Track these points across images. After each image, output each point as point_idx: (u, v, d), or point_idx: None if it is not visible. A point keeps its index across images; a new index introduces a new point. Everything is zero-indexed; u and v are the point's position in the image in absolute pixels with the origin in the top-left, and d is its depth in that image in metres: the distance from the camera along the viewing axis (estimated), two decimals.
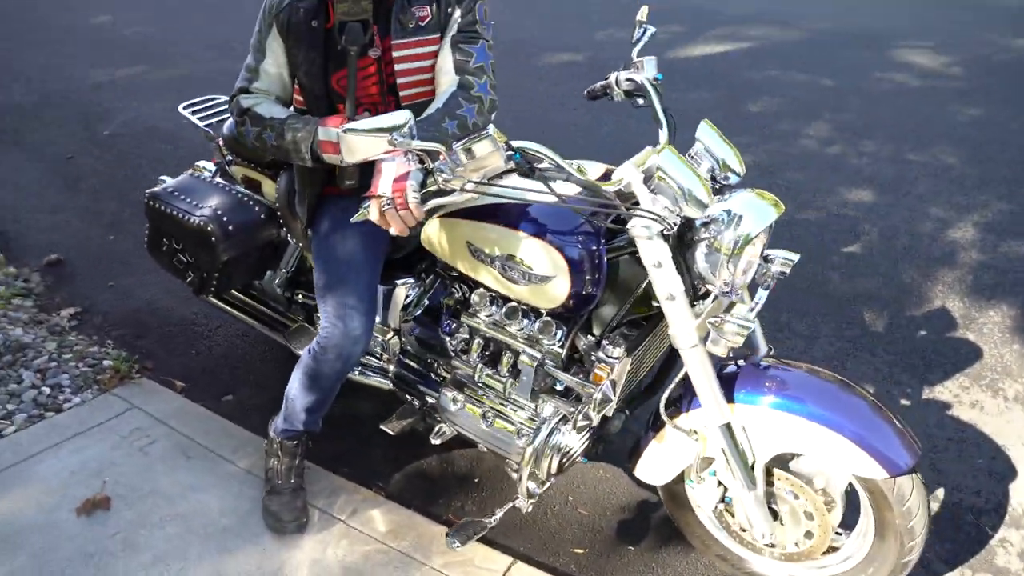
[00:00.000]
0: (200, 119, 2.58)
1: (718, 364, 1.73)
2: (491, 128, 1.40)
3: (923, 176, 4.21)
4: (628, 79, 1.99)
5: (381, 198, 1.53)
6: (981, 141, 4.63)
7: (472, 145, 1.40)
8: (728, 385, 1.68)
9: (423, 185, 1.53)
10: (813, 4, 7.91)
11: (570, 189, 1.63)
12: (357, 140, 1.45)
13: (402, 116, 1.42)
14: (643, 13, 2.04)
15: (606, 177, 1.70)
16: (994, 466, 2.38)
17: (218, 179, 2.39)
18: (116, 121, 4.82)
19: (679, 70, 5.66)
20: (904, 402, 2.65)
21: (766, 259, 1.73)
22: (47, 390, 2.49)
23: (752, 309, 1.64)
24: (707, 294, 1.66)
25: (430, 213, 1.81)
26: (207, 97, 2.66)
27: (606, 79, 2.04)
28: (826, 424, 1.60)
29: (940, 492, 2.26)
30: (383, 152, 1.47)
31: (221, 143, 2.39)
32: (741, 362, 1.76)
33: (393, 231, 1.57)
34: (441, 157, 1.46)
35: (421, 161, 1.53)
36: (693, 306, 1.61)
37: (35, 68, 5.77)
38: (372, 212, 1.55)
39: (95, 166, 4.26)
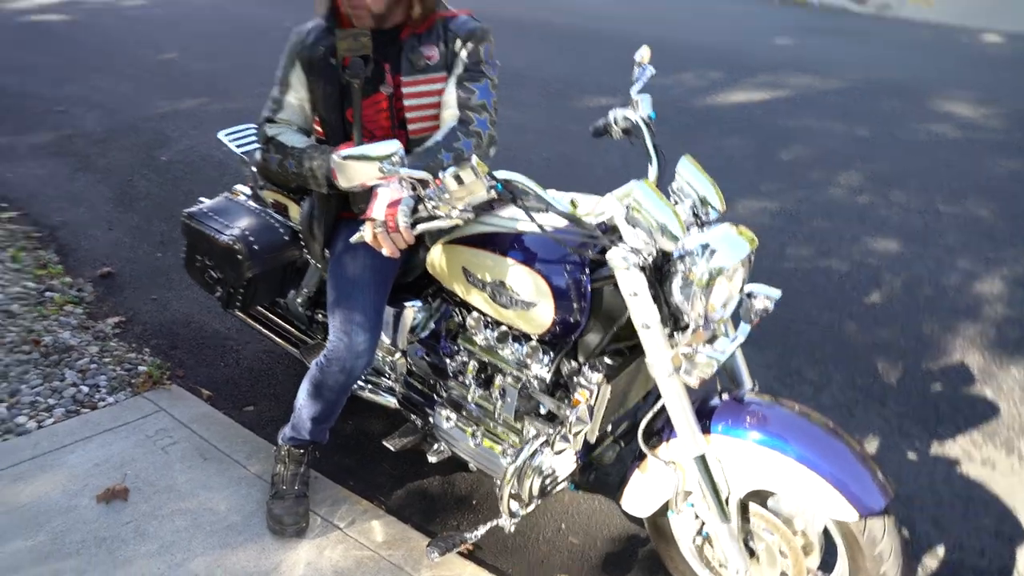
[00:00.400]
0: (238, 146, 2.75)
1: (701, 397, 1.78)
2: (473, 159, 1.48)
3: (952, 228, 4.17)
4: (625, 117, 2.08)
5: (375, 221, 1.65)
6: (1016, 194, 4.58)
7: (453, 175, 1.50)
8: (708, 417, 1.71)
9: (414, 211, 1.64)
10: (851, 55, 7.94)
11: (555, 221, 1.72)
12: (351, 166, 1.56)
13: (391, 146, 1.53)
14: (642, 55, 2.13)
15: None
16: (1002, 527, 2.31)
17: (250, 202, 2.54)
18: (174, 148, 5.11)
19: (715, 117, 5.73)
20: (911, 455, 2.61)
21: (749, 295, 1.77)
22: (86, 389, 2.67)
23: (732, 341, 1.70)
24: (688, 326, 1.72)
25: (420, 237, 1.91)
26: (245, 126, 2.81)
27: (605, 117, 2.14)
28: (799, 460, 1.61)
29: (940, 549, 2.22)
30: (375, 179, 1.58)
31: (255, 169, 2.56)
32: (724, 396, 1.80)
33: (385, 252, 1.67)
34: (429, 185, 1.57)
35: (414, 188, 1.64)
36: (672, 337, 1.68)
37: (110, 98, 6.16)
38: (367, 234, 1.66)
39: (151, 189, 4.52)
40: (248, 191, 2.64)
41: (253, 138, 2.75)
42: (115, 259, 3.73)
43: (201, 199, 2.62)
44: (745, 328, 1.76)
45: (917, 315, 3.39)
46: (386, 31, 1.93)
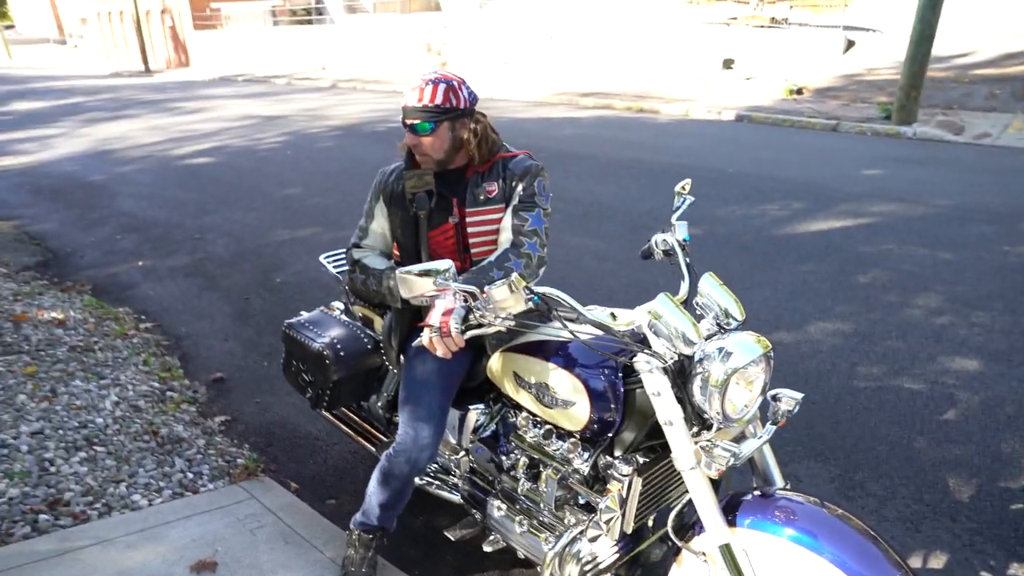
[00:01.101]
0: (335, 268, 3.13)
1: (732, 493, 1.90)
2: (513, 276, 1.73)
3: None
4: (664, 240, 2.31)
5: (432, 327, 1.92)
6: None
7: (494, 289, 1.76)
8: (736, 510, 1.82)
9: (465, 319, 1.90)
10: (943, 182, 7.90)
11: (592, 330, 1.94)
12: (411, 280, 1.85)
13: (444, 264, 1.81)
14: (683, 186, 2.39)
15: None
16: None
17: (342, 316, 2.86)
18: (288, 271, 5.68)
19: (794, 245, 5.84)
20: (984, 574, 2.55)
21: (774, 398, 1.91)
22: (191, 475, 3.00)
23: (757, 439, 1.84)
24: (712, 425, 1.87)
25: (482, 346, 2.19)
26: (343, 250, 3.19)
27: (649, 241, 2.38)
28: (831, 560, 1.65)
29: None
30: (431, 291, 1.86)
31: (347, 287, 2.91)
32: (755, 492, 1.91)
33: (439, 353, 1.93)
34: (477, 297, 1.84)
35: (465, 300, 1.90)
36: (699, 434, 1.83)
37: (238, 227, 6.93)
38: (424, 338, 1.94)
39: (264, 307, 5.02)
40: (341, 306, 2.99)
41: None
42: (227, 366, 4.16)
43: (301, 312, 2.97)
44: (770, 428, 1.88)
45: (996, 434, 3.32)
46: (454, 171, 2.28)
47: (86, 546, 2.50)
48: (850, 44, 16.33)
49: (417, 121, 2.17)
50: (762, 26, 18.07)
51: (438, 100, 2.17)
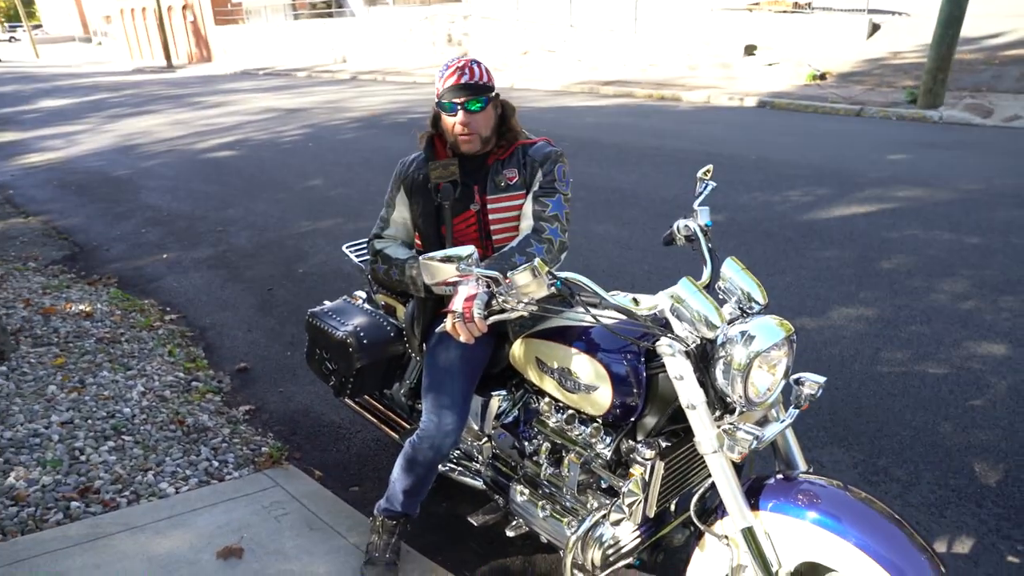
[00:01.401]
0: (358, 257, 3.15)
1: (755, 477, 1.89)
2: (535, 261, 1.72)
3: None
4: (686, 226, 2.30)
5: (454, 313, 1.92)
6: None
7: (517, 274, 1.76)
8: (759, 494, 1.81)
9: (488, 305, 1.90)
10: (969, 166, 7.76)
11: (612, 315, 1.94)
12: (434, 266, 1.85)
13: (467, 249, 1.81)
14: (705, 171, 2.37)
15: None
16: None
17: (365, 304, 2.88)
18: (310, 262, 5.72)
19: (818, 230, 5.78)
20: (1011, 558, 2.52)
21: (797, 382, 1.90)
22: (216, 463, 3.04)
23: (780, 423, 1.83)
24: (735, 409, 1.86)
25: (504, 333, 2.20)
26: (366, 239, 3.22)
27: (671, 227, 2.37)
28: (847, 538, 1.65)
29: None
30: (454, 276, 1.86)
31: (370, 276, 2.92)
32: (778, 476, 1.90)
33: (461, 339, 1.93)
34: (500, 283, 1.84)
35: (488, 286, 1.91)
36: (721, 418, 1.83)
37: (261, 219, 6.99)
38: (447, 324, 1.94)
39: (287, 297, 5.07)
40: (364, 295, 3.01)
41: None
42: (251, 356, 4.21)
43: (324, 301, 2.98)
44: (793, 412, 1.88)
45: None
46: (475, 158, 2.28)
47: (116, 532, 2.54)
48: (875, 28, 16.08)
49: (470, 98, 2.16)
50: (784, 11, 17.85)
51: (486, 78, 2.19)
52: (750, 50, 16.61)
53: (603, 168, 8.21)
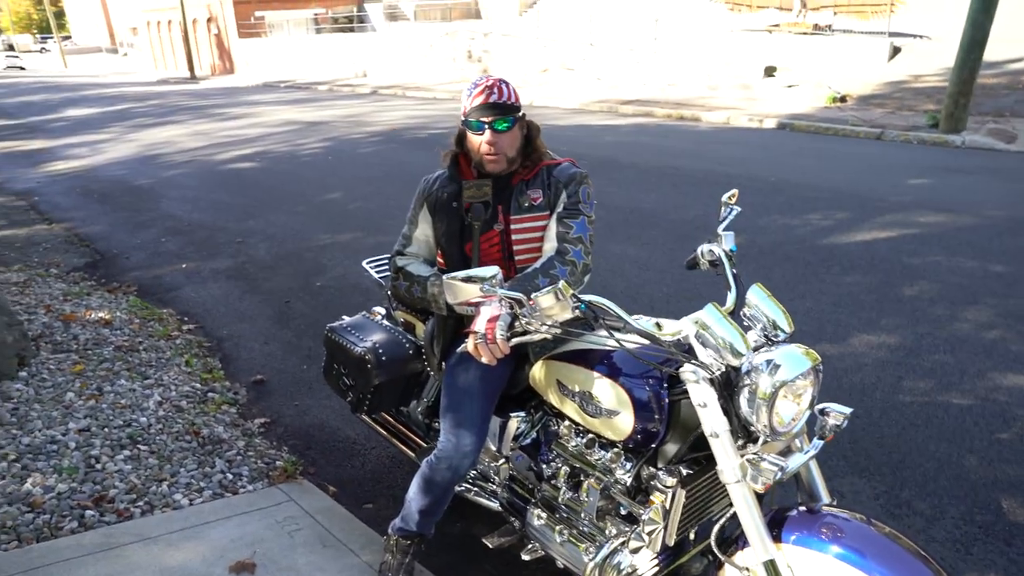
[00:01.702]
0: (378, 273, 3.15)
1: (777, 508, 1.86)
2: (560, 284, 1.71)
3: None
4: (710, 250, 2.28)
5: (476, 333, 1.91)
6: None
7: (541, 296, 1.74)
8: (781, 526, 1.78)
9: (511, 326, 1.89)
10: (993, 192, 7.69)
11: (636, 339, 1.91)
12: (458, 286, 1.84)
13: (490, 271, 1.80)
14: (730, 196, 2.35)
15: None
16: None
17: (384, 321, 2.87)
18: (329, 275, 5.73)
19: (838, 255, 5.73)
20: None
21: (822, 412, 1.87)
22: (231, 476, 3.03)
23: (804, 454, 1.80)
24: (759, 438, 1.83)
25: (524, 354, 2.18)
26: (386, 255, 3.20)
27: (695, 252, 2.35)
28: (871, 574, 1.61)
29: None
30: (477, 297, 1.85)
31: (390, 293, 2.91)
32: (801, 508, 1.87)
33: (483, 360, 1.92)
34: (524, 304, 1.82)
35: (511, 307, 1.89)
36: (744, 447, 1.79)
37: (280, 231, 7.02)
38: (469, 344, 1.92)
39: (304, 310, 5.08)
40: (383, 311, 3.00)
41: None
42: (268, 369, 4.21)
43: (343, 316, 2.98)
44: (818, 443, 1.84)
45: None
46: (500, 178, 2.27)
47: (129, 543, 2.53)
48: (896, 51, 16.04)
49: (497, 118, 2.15)
50: (804, 33, 17.85)
51: (513, 98, 2.19)
52: (770, 71, 16.60)
53: (622, 188, 8.20)
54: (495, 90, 2.16)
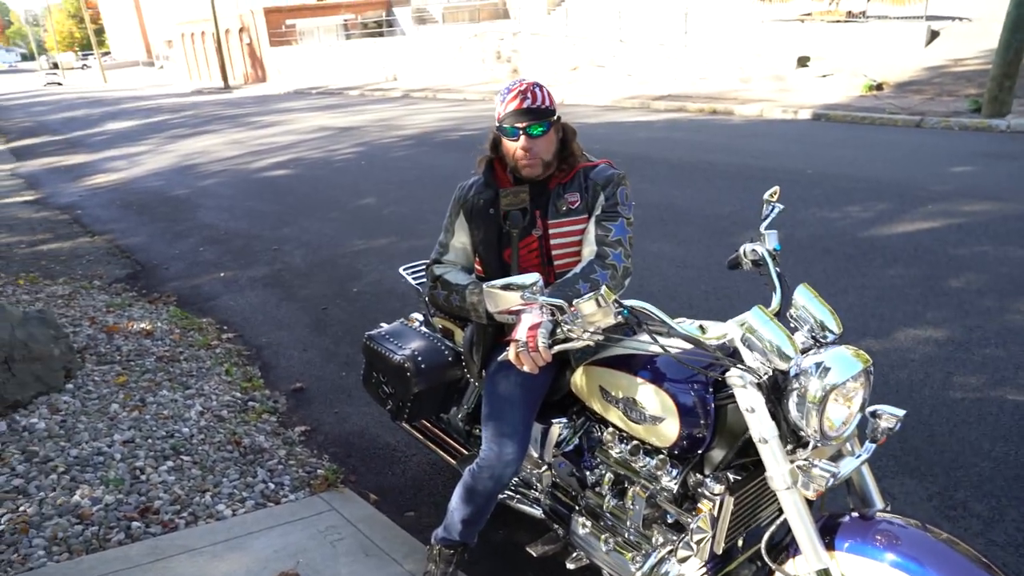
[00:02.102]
0: (415, 279, 3.14)
1: (828, 514, 1.80)
2: (602, 289, 1.69)
3: None
4: (753, 250, 2.22)
5: (518, 342, 1.88)
6: None
7: (582, 302, 1.71)
8: (834, 534, 1.73)
9: (552, 333, 1.86)
10: None
11: (681, 344, 1.87)
12: (498, 295, 1.82)
13: (532, 277, 1.78)
14: (772, 193, 2.29)
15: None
16: None
17: (422, 328, 2.85)
18: (364, 281, 5.76)
19: (880, 247, 5.60)
20: None
21: (873, 414, 1.81)
22: (273, 486, 3.05)
23: (856, 458, 1.74)
24: (808, 443, 1.78)
25: (566, 360, 2.15)
26: (422, 261, 3.19)
27: (737, 251, 2.29)
28: None
29: None
30: (518, 304, 1.82)
31: (427, 299, 2.90)
32: (854, 514, 1.81)
33: (525, 369, 1.89)
34: (565, 311, 1.79)
35: (552, 314, 1.86)
36: (794, 452, 1.74)
37: (315, 238, 7.08)
38: (511, 353, 1.90)
39: (341, 316, 5.10)
40: (421, 318, 2.99)
41: None
42: (307, 376, 4.23)
43: (381, 324, 2.97)
44: (869, 447, 1.79)
45: None
46: (537, 183, 2.24)
47: (175, 555, 2.56)
48: (933, 35, 15.66)
49: (532, 123, 2.13)
50: (837, 20, 17.51)
51: (548, 102, 2.16)
52: (803, 61, 16.32)
53: (656, 184, 8.11)
54: (528, 95, 2.13)
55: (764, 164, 8.89)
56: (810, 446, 1.73)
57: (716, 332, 1.93)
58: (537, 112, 2.13)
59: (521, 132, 2.13)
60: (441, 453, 2.82)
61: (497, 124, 2.20)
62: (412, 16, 33.51)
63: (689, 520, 1.90)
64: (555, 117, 2.19)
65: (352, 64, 30.11)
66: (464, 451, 2.78)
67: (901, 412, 1.79)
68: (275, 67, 35.48)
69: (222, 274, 6.21)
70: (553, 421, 2.34)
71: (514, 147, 2.17)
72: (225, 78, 35.20)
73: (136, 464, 3.13)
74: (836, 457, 1.79)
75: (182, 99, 29.35)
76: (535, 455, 2.42)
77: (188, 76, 44.61)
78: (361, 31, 34.64)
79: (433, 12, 33.20)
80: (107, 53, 68.91)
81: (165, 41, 51.22)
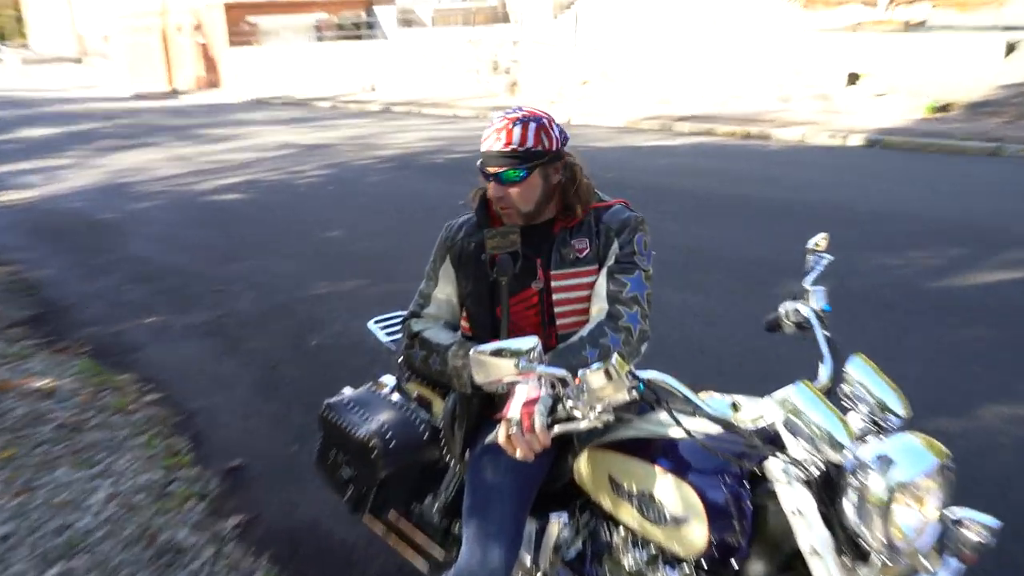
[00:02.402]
0: (388, 334, 3.07)
1: None
2: (613, 358, 1.63)
3: None
4: (796, 310, 2.17)
5: (510, 421, 1.80)
6: None
7: (590, 374, 1.64)
8: None
9: (552, 411, 1.78)
10: None
11: (708, 426, 1.79)
12: (488, 362, 1.75)
13: (530, 342, 1.72)
14: (819, 242, 2.24)
15: None
16: None
17: (393, 395, 2.78)
18: (325, 332, 5.69)
19: (955, 301, 5.59)
20: None
21: (957, 523, 1.72)
22: None
23: None
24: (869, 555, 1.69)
25: (568, 442, 2.08)
26: (397, 313, 3.10)
27: (776, 310, 2.24)
28: None
29: None
30: (512, 375, 1.75)
31: (401, 360, 2.82)
32: None
33: (517, 455, 1.81)
34: (569, 384, 1.72)
35: (553, 387, 1.79)
36: (853, 570, 1.65)
37: (269, 278, 7.05)
38: (500, 435, 1.82)
39: (295, 375, 5.02)
40: (393, 382, 2.91)
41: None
42: (248, 451, 4.13)
43: (344, 389, 2.86)
44: (952, 563, 1.70)
45: None
46: (538, 226, 2.20)
47: None
48: (1011, 48, 15.86)
49: (504, 169, 2.11)
50: (895, 31, 17.81)
51: (529, 142, 2.11)
52: (853, 78, 16.53)
53: (679, 222, 8.14)
54: (504, 134, 2.11)
55: (807, 198, 8.95)
56: (873, 560, 1.64)
57: (752, 412, 1.86)
58: (512, 156, 2.11)
59: (488, 178, 2.13)
60: (411, 555, 2.72)
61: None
62: (396, 17, 34.03)
63: None
64: (543, 159, 2.14)
65: (324, 71, 30.47)
66: (437, 554, 2.67)
67: (994, 522, 1.70)
68: (231, 71, 35.86)
69: (151, 319, 6.13)
70: (551, 517, 2.26)
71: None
72: (172, 82, 35.59)
73: (11, 571, 2.99)
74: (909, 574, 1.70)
75: (118, 104, 29.62)
76: (527, 561, 2.33)
77: (128, 77, 45.07)
78: (336, 33, 35.13)
79: (421, 14, 33.75)
80: (24, 45, 69.57)
81: (102, 36, 51.84)
